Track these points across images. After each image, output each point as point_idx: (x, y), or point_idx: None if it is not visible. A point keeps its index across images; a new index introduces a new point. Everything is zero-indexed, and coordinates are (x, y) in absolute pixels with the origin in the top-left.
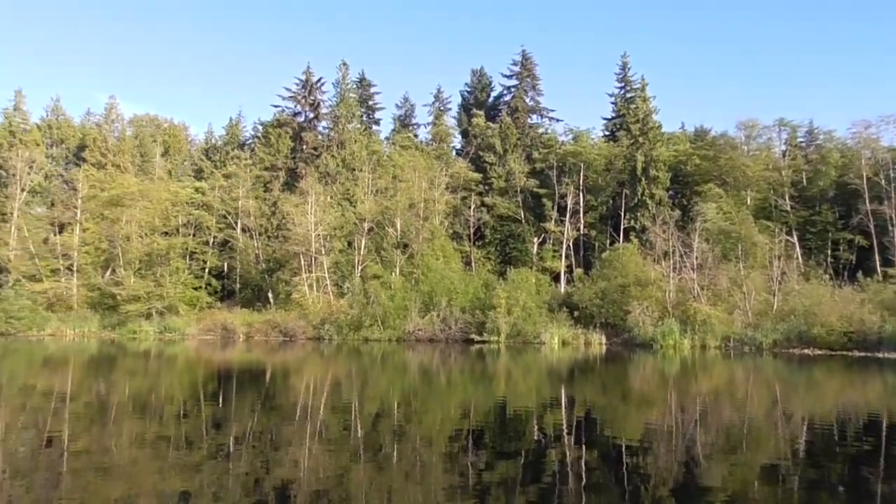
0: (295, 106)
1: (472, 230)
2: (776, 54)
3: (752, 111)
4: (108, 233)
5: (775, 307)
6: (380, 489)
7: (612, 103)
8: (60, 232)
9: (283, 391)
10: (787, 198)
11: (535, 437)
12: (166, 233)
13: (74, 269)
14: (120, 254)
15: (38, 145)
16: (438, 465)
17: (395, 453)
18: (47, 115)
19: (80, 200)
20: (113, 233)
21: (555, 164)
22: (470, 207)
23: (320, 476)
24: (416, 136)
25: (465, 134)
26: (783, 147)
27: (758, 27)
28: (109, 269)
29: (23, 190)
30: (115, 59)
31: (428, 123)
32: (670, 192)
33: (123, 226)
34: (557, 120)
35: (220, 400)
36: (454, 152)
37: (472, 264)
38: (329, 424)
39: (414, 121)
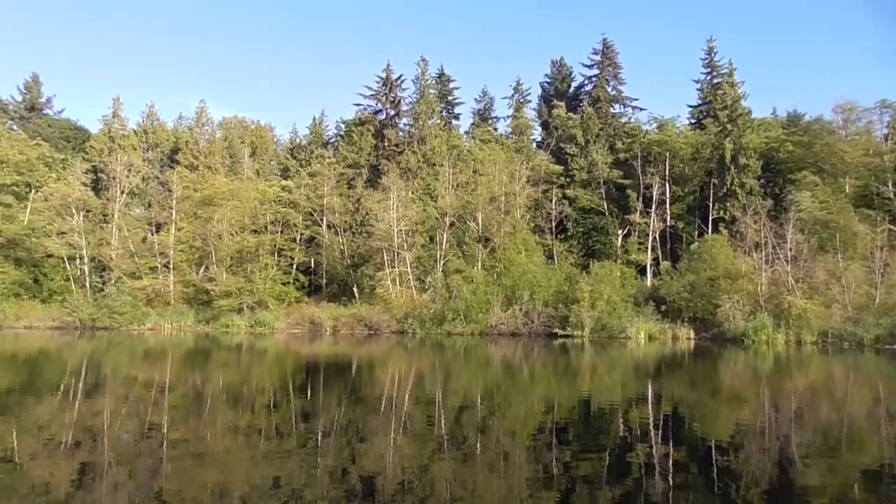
0: (376, 104)
1: (553, 223)
2: (874, 31)
3: (849, 93)
4: (201, 231)
5: (878, 301)
6: (464, 482)
7: (698, 90)
8: (157, 231)
9: (368, 384)
10: (889, 184)
11: (621, 434)
12: (255, 230)
13: (171, 266)
14: (213, 251)
15: (135, 149)
16: (522, 459)
17: (478, 446)
18: (143, 121)
19: (174, 201)
20: (206, 231)
21: (639, 154)
22: (551, 200)
23: (405, 467)
24: (495, 129)
25: (545, 126)
26: (885, 130)
27: (852, 1)
28: (203, 266)
29: (122, 192)
30: (204, 64)
31: (507, 116)
32: (762, 180)
33: (215, 224)
34: (641, 109)
35: (309, 392)
36: (534, 145)
37: (555, 258)
38: (413, 417)
39: (493, 114)
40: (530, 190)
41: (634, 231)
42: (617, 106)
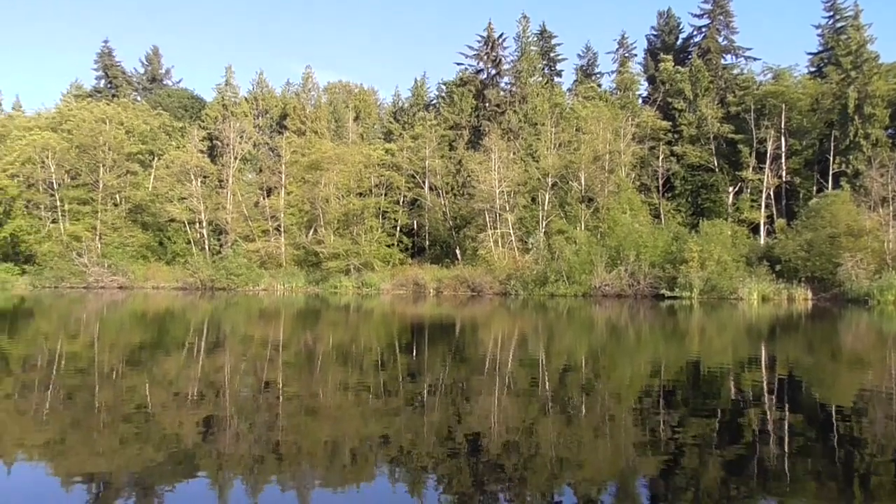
0: (477, 63)
1: (660, 181)
2: None
3: None
4: (309, 195)
5: None
6: (569, 442)
7: (819, 35)
8: (268, 195)
9: (471, 344)
10: None
11: (732, 397)
12: (361, 193)
13: (282, 229)
14: (320, 214)
15: (246, 116)
16: (628, 421)
17: (583, 408)
18: (253, 88)
19: (283, 166)
20: (313, 195)
21: (752, 107)
22: (658, 157)
23: (510, 427)
24: (599, 85)
25: (651, 80)
26: None
27: None
28: (312, 229)
29: (235, 158)
30: (310, 30)
31: (612, 72)
32: (889, 131)
33: (322, 188)
34: (754, 59)
35: (414, 351)
36: (640, 100)
37: (662, 217)
38: (517, 377)
39: (597, 70)
40: (636, 147)
41: (747, 188)
42: (728, 57)
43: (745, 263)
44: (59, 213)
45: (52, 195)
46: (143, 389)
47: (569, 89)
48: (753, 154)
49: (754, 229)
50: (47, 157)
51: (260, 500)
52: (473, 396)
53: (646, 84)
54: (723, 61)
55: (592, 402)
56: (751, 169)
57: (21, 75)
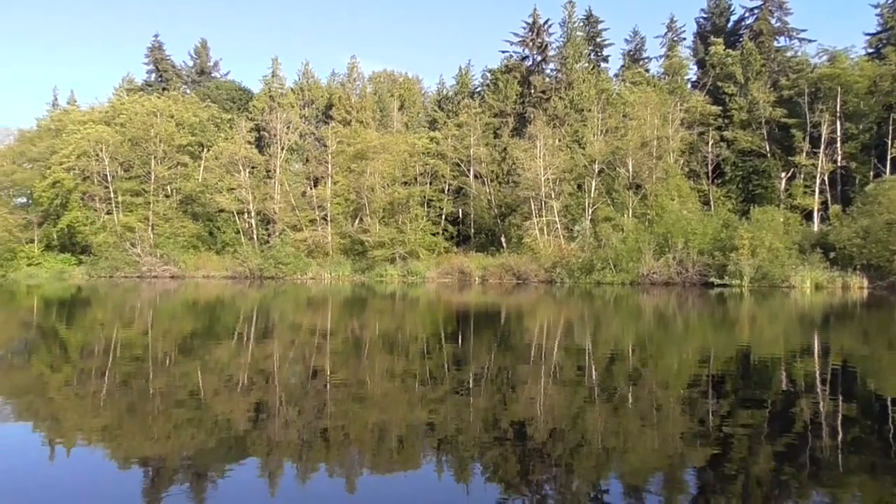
0: (523, 50)
1: (710, 167)
2: None
3: None
4: (355, 184)
5: None
6: (615, 431)
7: (878, 15)
8: (315, 185)
9: (517, 332)
10: None
11: (783, 387)
12: (405, 182)
13: (328, 218)
14: (366, 203)
15: (292, 107)
16: (676, 411)
17: (629, 397)
18: (299, 79)
19: (329, 156)
20: (359, 184)
21: (806, 91)
22: (708, 143)
23: (556, 415)
24: (647, 70)
25: (701, 64)
26: None
27: None
28: (358, 218)
29: (282, 149)
30: (354, 20)
31: (660, 56)
32: None
33: (368, 177)
34: (809, 40)
35: (460, 339)
36: (689, 85)
37: (711, 203)
38: (563, 366)
39: (645, 55)
40: (684, 133)
41: (800, 173)
42: (781, 39)
43: (797, 251)
44: (114, 205)
45: (107, 187)
46: (196, 376)
47: (615, 75)
48: (807, 139)
49: (807, 216)
50: (101, 150)
51: (309, 485)
52: (519, 384)
53: (695, 68)
54: (775, 44)
55: (639, 390)
56: (804, 154)
57: (75, 70)
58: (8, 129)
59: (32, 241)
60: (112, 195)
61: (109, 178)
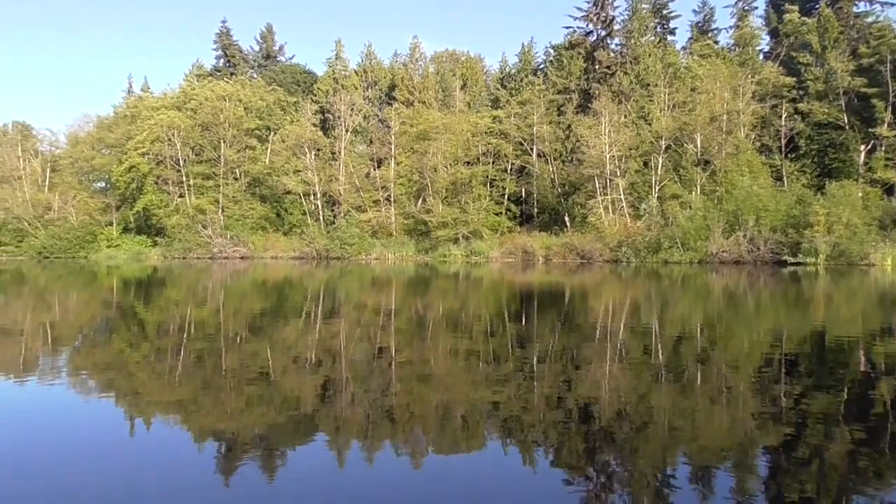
0: (587, 25)
1: (783, 141)
2: None
3: None
4: (418, 165)
5: None
6: (683, 412)
7: None
8: (379, 166)
9: (581, 312)
10: None
11: (861, 369)
12: (468, 162)
13: (392, 199)
14: (429, 184)
15: (356, 89)
16: (747, 392)
17: (698, 377)
18: (362, 61)
19: (393, 137)
20: (422, 165)
21: (888, 58)
22: (781, 116)
23: (621, 396)
24: (716, 42)
25: (774, 34)
26: None
27: None
28: (421, 199)
29: (347, 130)
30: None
31: (730, 27)
32: None
33: (430, 158)
34: (891, 4)
35: (523, 319)
36: (761, 56)
37: (784, 179)
38: (629, 346)
39: (714, 26)
40: (756, 106)
41: (881, 146)
42: (861, 4)
43: (877, 227)
44: (186, 188)
45: (179, 171)
46: (265, 354)
47: (683, 48)
48: (889, 109)
49: (888, 190)
50: (174, 136)
51: (375, 462)
52: (584, 364)
53: (767, 38)
54: (855, 9)
55: (708, 371)
56: (886, 125)
57: (149, 58)
58: (87, 117)
59: (111, 223)
60: (184, 179)
61: (181, 163)
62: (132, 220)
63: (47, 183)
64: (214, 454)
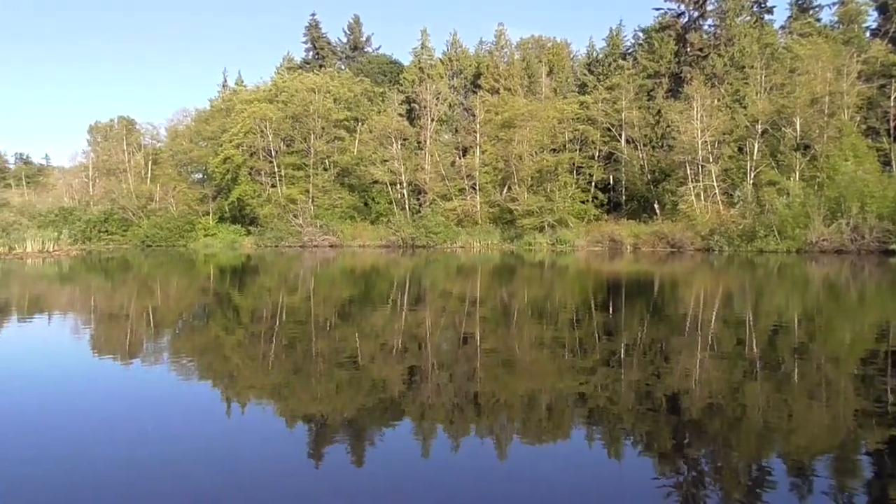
0: (678, 6)
1: (892, 124)
2: None
3: None
4: (503, 153)
5: None
6: (779, 407)
7: None
8: (464, 155)
9: (671, 302)
10: None
11: None
12: (554, 149)
13: (477, 187)
14: (514, 172)
15: (441, 78)
16: (849, 388)
17: (796, 371)
18: (447, 50)
19: (478, 125)
20: (507, 153)
21: None
22: (890, 97)
23: (713, 388)
24: (817, 20)
25: (882, 9)
26: None
27: None
28: (506, 187)
29: (432, 120)
30: None
31: (833, 3)
32: None
33: (516, 146)
34: None
35: (610, 308)
36: (868, 33)
37: (893, 164)
38: (721, 337)
39: (815, 3)
40: (862, 87)
41: None
42: None
43: None
44: (277, 178)
45: (271, 162)
46: (354, 340)
47: (781, 27)
48: None
49: None
50: (266, 127)
51: (460, 450)
52: (673, 356)
53: (875, 14)
54: None
55: (807, 366)
56: None
57: (243, 52)
58: (186, 111)
59: (208, 213)
60: (276, 169)
61: (273, 154)
62: (227, 209)
63: (149, 175)
64: (305, 437)
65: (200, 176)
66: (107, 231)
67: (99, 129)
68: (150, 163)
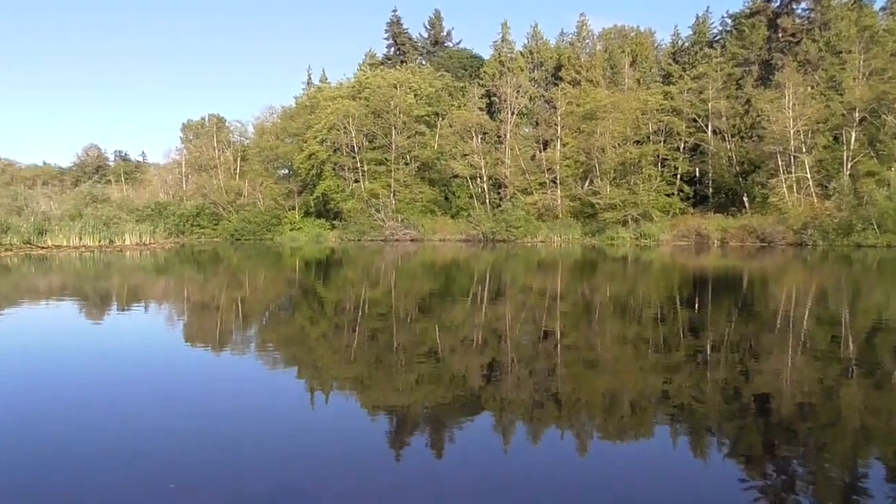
0: None
1: None
2: None
3: None
4: (584, 146)
5: None
6: (877, 410)
7: None
8: (544, 148)
9: (761, 299)
10: None
11: None
12: (638, 141)
13: (558, 181)
14: (596, 165)
15: (522, 71)
16: None
17: (895, 373)
18: (528, 42)
19: (559, 117)
20: (589, 145)
21: None
22: None
23: (805, 389)
24: None
25: None
26: None
27: None
28: (588, 180)
29: (512, 113)
30: None
31: None
32: None
33: (598, 138)
34: None
35: (696, 305)
36: None
37: None
38: (814, 336)
39: None
40: None
41: None
42: None
43: None
44: (360, 174)
45: (354, 157)
46: (434, 333)
47: (882, 8)
48: None
49: None
50: (349, 124)
51: (540, 445)
52: (763, 355)
53: None
54: None
55: None
56: None
57: (326, 50)
58: (272, 108)
59: (294, 208)
60: (358, 165)
61: (356, 149)
62: (312, 204)
63: (238, 171)
64: (386, 428)
65: (286, 172)
66: (198, 225)
67: (191, 127)
68: (238, 159)
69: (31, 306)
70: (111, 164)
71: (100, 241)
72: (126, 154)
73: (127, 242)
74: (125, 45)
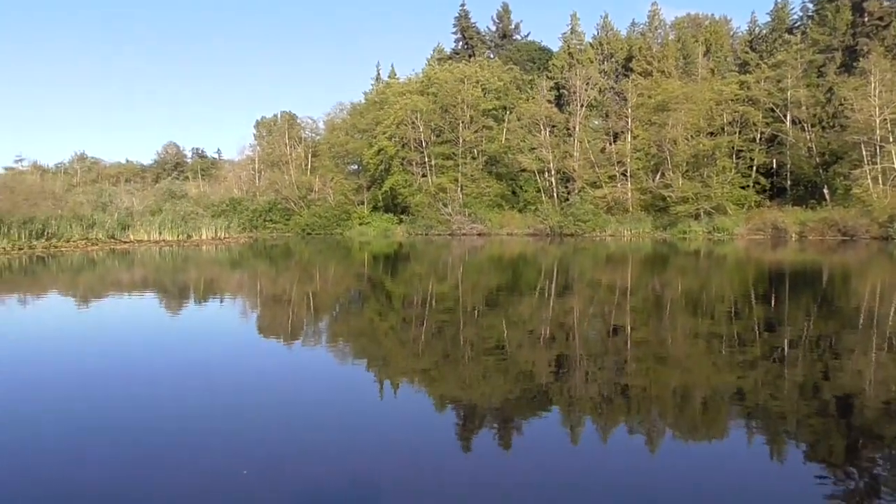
0: None
1: None
2: None
3: None
4: (655, 138)
5: None
6: None
7: None
8: (614, 141)
9: (842, 295)
10: None
11: None
12: (711, 133)
13: (628, 174)
14: (668, 157)
15: (591, 62)
16: None
17: None
18: (598, 33)
19: (629, 109)
20: (660, 137)
21: None
22: None
23: (890, 389)
24: None
25: None
26: None
27: None
28: (659, 173)
29: (582, 105)
30: None
31: None
32: None
33: (670, 130)
34: None
35: (773, 301)
36: None
37: None
38: None
39: None
40: None
41: None
42: None
43: None
44: (428, 168)
45: (422, 152)
46: (501, 328)
47: None
48: None
49: None
50: (416, 118)
51: (610, 442)
52: (844, 353)
53: None
54: None
55: None
56: None
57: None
58: (342, 104)
59: (363, 202)
60: (426, 159)
61: (424, 144)
62: (380, 199)
63: (309, 166)
64: (453, 421)
65: (356, 167)
66: (271, 220)
67: (264, 124)
68: (309, 155)
69: (116, 298)
70: (189, 161)
71: (178, 236)
72: (203, 151)
73: (203, 237)
74: (203, 46)
